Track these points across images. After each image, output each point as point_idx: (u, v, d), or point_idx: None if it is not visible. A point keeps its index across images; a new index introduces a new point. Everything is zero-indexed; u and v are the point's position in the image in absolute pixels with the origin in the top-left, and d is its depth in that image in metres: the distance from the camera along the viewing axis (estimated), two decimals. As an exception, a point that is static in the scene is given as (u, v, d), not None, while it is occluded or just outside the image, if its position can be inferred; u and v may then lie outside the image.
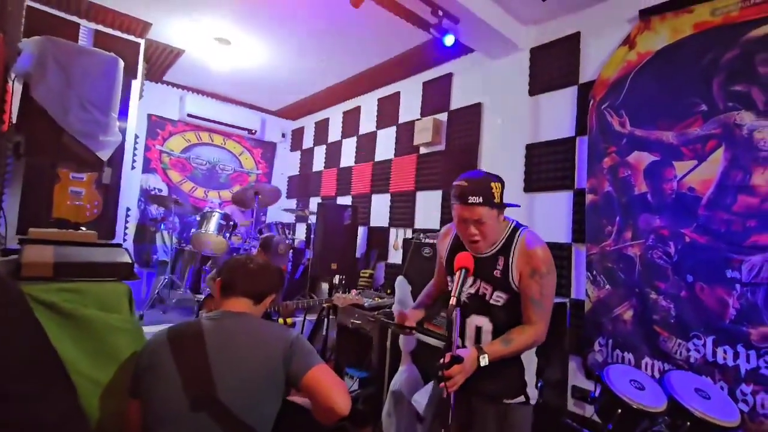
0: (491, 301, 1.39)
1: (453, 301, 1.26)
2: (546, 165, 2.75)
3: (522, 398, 1.37)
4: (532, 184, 2.80)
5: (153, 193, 5.01)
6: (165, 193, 5.08)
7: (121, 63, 2.22)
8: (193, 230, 4.16)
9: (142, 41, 3.68)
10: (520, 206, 1.51)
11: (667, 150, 2.15)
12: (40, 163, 2.53)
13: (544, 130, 2.80)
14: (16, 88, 2.06)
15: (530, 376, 1.40)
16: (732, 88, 1.96)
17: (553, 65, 2.78)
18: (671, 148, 2.13)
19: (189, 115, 5.10)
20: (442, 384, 1.25)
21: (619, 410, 1.38)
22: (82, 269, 1.40)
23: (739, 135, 1.93)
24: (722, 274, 1.90)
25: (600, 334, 2.31)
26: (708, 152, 2.01)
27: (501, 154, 2.96)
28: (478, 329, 1.42)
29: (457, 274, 1.33)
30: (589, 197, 2.45)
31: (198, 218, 4.20)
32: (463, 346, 1.46)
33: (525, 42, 2.87)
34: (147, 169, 5.00)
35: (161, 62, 4.33)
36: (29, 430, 0.94)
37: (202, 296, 3.67)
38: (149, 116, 4.98)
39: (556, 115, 2.74)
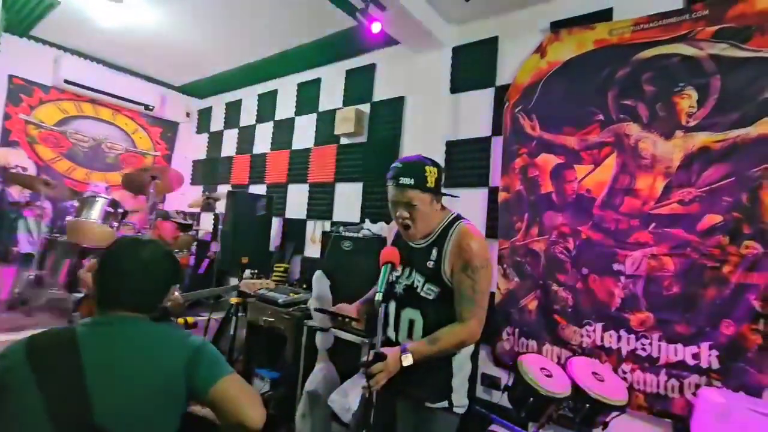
0: (422, 294, 1.35)
1: (378, 296, 1.21)
2: (464, 162, 2.84)
3: (445, 403, 1.32)
4: (451, 180, 2.87)
5: (14, 171, 4.12)
6: (32, 171, 4.22)
7: (-36, 1, 1.73)
8: (69, 218, 3.51)
9: (-2, -19, 2.96)
10: (459, 197, 1.49)
11: (570, 154, 2.35)
12: None
13: (463, 127, 2.89)
14: None
15: (461, 383, 1.35)
16: (623, 101, 2.21)
17: (473, 65, 2.87)
18: (573, 153, 2.34)
19: (67, 82, 4.29)
20: (365, 383, 1.19)
21: (531, 398, 1.45)
22: None
23: (627, 144, 2.17)
24: (610, 267, 2.14)
25: (508, 324, 2.46)
26: (603, 158, 2.24)
27: (422, 149, 2.94)
28: (411, 323, 1.38)
29: (383, 269, 1.28)
30: (501, 195, 2.58)
31: (76, 203, 3.56)
32: (397, 341, 1.41)
33: (448, 39, 2.92)
34: (6, 142, 4.10)
35: (27, 12, 3.55)
36: None
37: (81, 295, 3.13)
38: (10, 78, 4.08)
39: (474, 114, 2.84)
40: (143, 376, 0.97)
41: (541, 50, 2.53)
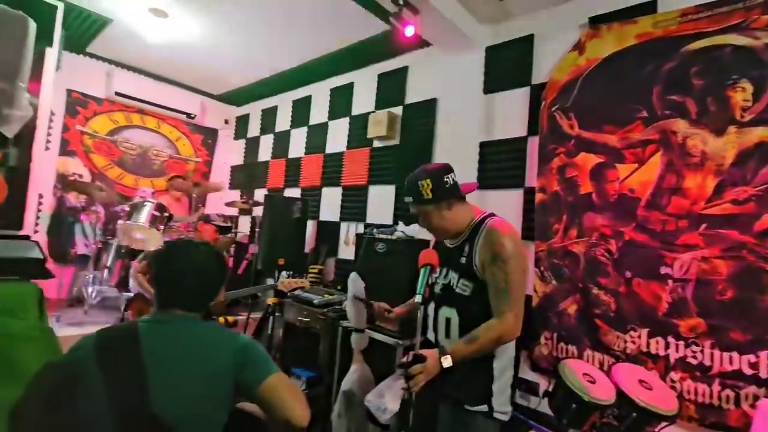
0: (457, 290, 1.36)
1: (417, 298, 1.22)
2: (499, 163, 2.80)
3: (484, 407, 1.31)
4: (485, 182, 2.84)
5: (72, 178, 4.44)
6: (87, 179, 4.53)
7: (33, 24, 1.90)
8: (120, 221, 3.74)
9: (60, 4, 3.21)
10: (478, 185, 1.51)
11: (611, 152, 2.26)
12: None
13: (497, 128, 2.85)
14: None
15: (501, 388, 1.34)
16: (669, 96, 2.10)
17: (507, 65, 2.82)
18: (615, 151, 2.25)
19: (117, 94, 4.58)
20: (405, 385, 1.20)
21: (574, 405, 1.42)
22: (-25, 266, 1.16)
23: (674, 141, 2.07)
24: (657, 271, 2.04)
25: (546, 328, 2.40)
26: (647, 156, 2.15)
27: (455, 151, 2.97)
28: (448, 321, 1.39)
29: (421, 271, 1.29)
30: (538, 196, 2.52)
31: (127, 208, 3.79)
32: (436, 342, 1.42)
33: (481, 40, 2.89)
34: (65, 151, 4.43)
35: (84, 31, 3.83)
36: None
37: (131, 294, 3.32)
38: (69, 92, 4.41)
39: (509, 114, 2.79)
40: (196, 371, 1.02)
41: (579, 47, 2.46)
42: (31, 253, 1.26)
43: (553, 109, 2.50)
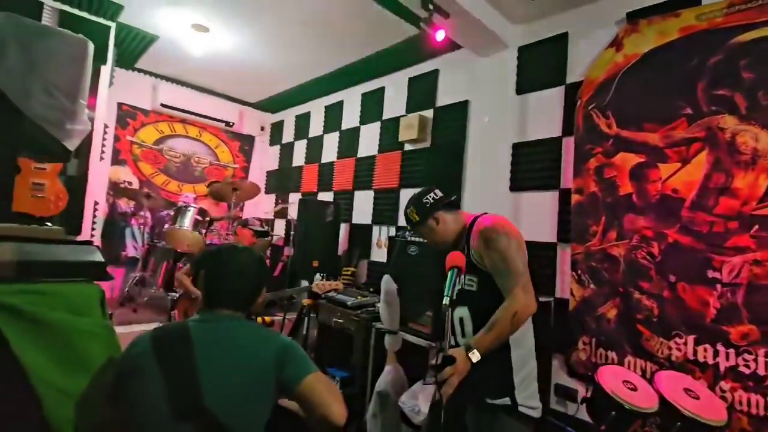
0: (465, 287, 1.41)
1: (446, 300, 1.22)
2: (532, 164, 2.75)
3: (507, 400, 1.31)
4: (518, 183, 2.80)
5: (123, 186, 4.76)
6: (136, 186, 4.83)
7: (92, 46, 2.06)
8: (166, 225, 3.97)
9: (112, 24, 3.46)
10: (455, 196, 1.59)
11: (652, 152, 2.18)
12: (-2, 152, 2.32)
13: (531, 129, 2.81)
14: (-30, 69, 1.88)
15: (524, 380, 1.34)
16: (716, 92, 2.01)
17: (540, 64, 2.78)
18: (656, 150, 2.17)
19: (162, 105, 4.86)
20: (437, 391, 1.21)
21: (614, 412, 1.38)
22: (48, 268, 1.28)
23: (721, 138, 1.97)
24: (704, 275, 1.95)
25: (584, 333, 2.34)
26: (692, 155, 2.06)
27: (487, 153, 2.95)
28: (461, 321, 1.44)
29: (449, 273, 1.30)
30: (574, 197, 2.47)
31: (172, 213, 4.01)
32: (456, 344, 1.43)
33: (513, 40, 2.86)
34: (116, 160, 4.75)
35: (133, 48, 4.10)
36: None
37: (176, 295, 3.51)
38: (119, 105, 4.72)
39: (543, 114, 2.75)
40: (242, 368, 1.09)
41: (616, 43, 2.38)
42: (94, 257, 1.38)
43: (590, 108, 2.44)
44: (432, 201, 1.52)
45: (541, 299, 2.19)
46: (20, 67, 1.84)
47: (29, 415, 1.01)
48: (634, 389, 1.46)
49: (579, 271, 2.39)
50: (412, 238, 2.80)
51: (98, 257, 1.40)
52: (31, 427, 1.00)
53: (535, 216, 2.70)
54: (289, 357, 1.12)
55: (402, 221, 3.67)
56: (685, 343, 1.97)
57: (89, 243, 1.55)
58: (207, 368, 1.05)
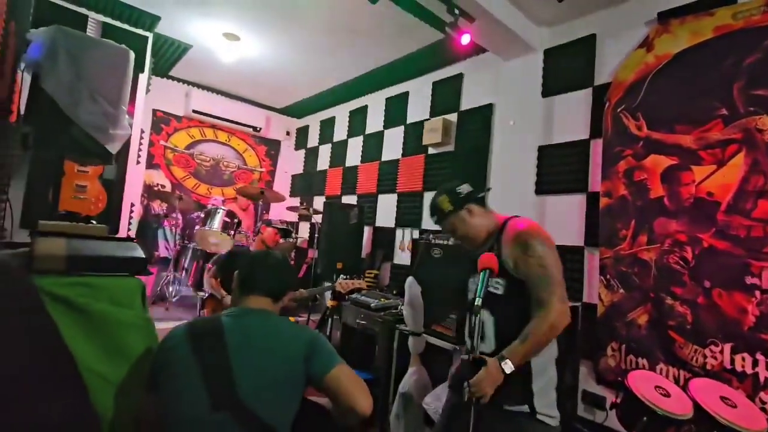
0: (490, 289, 1.34)
1: (478, 302, 1.22)
2: (559, 167, 2.72)
3: (525, 407, 1.29)
4: (543, 187, 2.77)
5: (156, 189, 4.96)
6: (168, 189, 5.03)
7: (132, 55, 2.18)
8: (196, 227, 4.12)
9: (150, 35, 3.64)
10: (490, 188, 1.57)
11: (685, 154, 2.12)
12: (47, 156, 2.48)
13: (557, 132, 2.77)
14: (24, 79, 2.02)
15: (543, 388, 1.32)
16: (753, 92, 1.94)
17: (567, 67, 2.75)
18: (690, 152, 2.11)
19: (194, 111, 5.06)
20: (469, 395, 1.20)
21: (645, 417, 1.35)
22: (94, 263, 1.36)
23: (760, 140, 1.90)
24: (741, 281, 1.88)
25: (613, 339, 2.28)
26: (728, 157, 1.99)
27: (512, 156, 2.94)
28: (482, 324, 1.38)
29: (481, 274, 1.30)
30: (603, 201, 2.42)
31: (202, 215, 4.16)
32: (473, 348, 1.42)
33: (539, 43, 2.84)
34: (150, 164, 4.96)
35: (168, 57, 4.29)
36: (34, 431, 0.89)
37: (205, 295, 3.63)
38: (154, 111, 4.94)
39: (569, 117, 2.72)
40: (273, 360, 1.13)
41: (647, 44, 2.34)
42: (136, 253, 1.45)
43: (619, 110, 2.40)
44: (466, 191, 1.47)
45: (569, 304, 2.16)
46: (69, 77, 1.97)
47: (80, 402, 1.08)
48: (667, 395, 1.42)
49: (608, 276, 2.34)
50: (437, 241, 2.81)
51: (139, 253, 1.47)
52: (82, 414, 1.06)
53: (562, 220, 2.66)
54: (316, 349, 1.16)
55: (426, 224, 3.68)
56: (721, 352, 1.90)
57: (131, 240, 1.63)
58: (239, 360, 1.10)
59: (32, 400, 0.94)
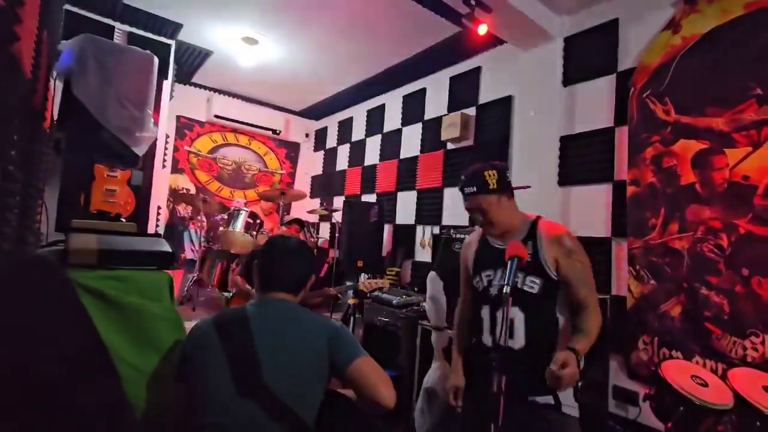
0: (525, 288, 1.32)
1: (506, 290, 1.17)
2: (582, 157, 2.65)
3: (550, 399, 1.27)
4: (567, 178, 2.71)
5: (181, 192, 5.10)
6: (193, 192, 5.17)
7: (156, 60, 2.25)
8: (220, 229, 4.20)
9: (172, 42, 3.76)
10: (530, 186, 1.52)
11: (717, 137, 2.03)
12: (78, 160, 2.58)
13: (579, 121, 2.71)
14: (57, 86, 2.11)
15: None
16: (790, 69, 1.85)
17: (589, 54, 2.68)
18: (722, 135, 2.02)
19: (216, 116, 5.18)
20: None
21: (681, 407, 1.29)
22: (125, 257, 1.41)
23: (799, 119, 1.80)
24: (783, 268, 1.78)
25: (644, 332, 2.20)
26: (764, 138, 1.90)
27: (533, 148, 2.88)
28: (511, 322, 1.34)
29: (509, 263, 1.26)
30: (630, 189, 2.35)
31: (225, 217, 4.24)
32: (495, 345, 1.38)
33: (559, 31, 2.78)
34: (175, 169, 5.10)
35: (190, 63, 4.41)
36: (70, 419, 0.92)
37: (231, 294, 3.70)
38: (178, 117, 5.08)
39: (592, 105, 2.65)
40: (298, 350, 1.14)
41: (673, 25, 2.26)
42: (164, 247, 1.50)
43: (645, 95, 2.32)
44: (510, 180, 1.44)
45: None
46: (98, 82, 2.05)
47: (115, 390, 1.11)
48: (705, 384, 1.35)
49: (637, 267, 2.26)
50: (458, 235, 2.78)
51: (167, 248, 1.52)
52: (117, 401, 1.10)
53: (586, 211, 2.59)
54: (340, 340, 1.16)
55: (447, 220, 3.65)
56: (763, 342, 1.80)
57: (159, 235, 1.68)
58: (265, 349, 1.11)
59: (71, 388, 0.98)
